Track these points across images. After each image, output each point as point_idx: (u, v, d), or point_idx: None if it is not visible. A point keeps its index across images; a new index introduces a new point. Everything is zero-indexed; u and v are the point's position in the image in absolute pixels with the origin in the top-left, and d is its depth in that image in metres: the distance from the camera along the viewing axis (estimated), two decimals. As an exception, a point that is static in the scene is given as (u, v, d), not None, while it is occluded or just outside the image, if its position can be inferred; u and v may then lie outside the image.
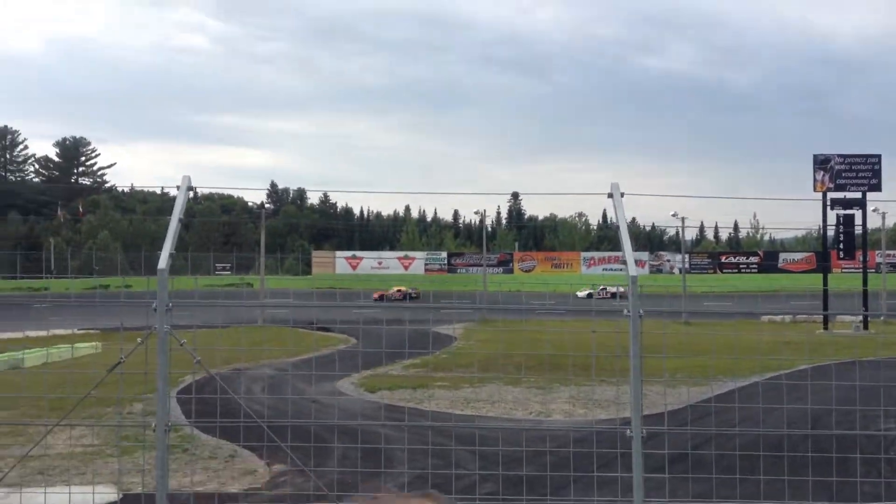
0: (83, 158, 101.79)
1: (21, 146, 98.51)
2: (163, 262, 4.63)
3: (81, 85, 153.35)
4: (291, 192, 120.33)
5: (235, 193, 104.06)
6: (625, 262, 5.00)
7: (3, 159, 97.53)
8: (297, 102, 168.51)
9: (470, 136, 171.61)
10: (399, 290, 57.81)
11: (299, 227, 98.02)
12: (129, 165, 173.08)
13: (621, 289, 58.01)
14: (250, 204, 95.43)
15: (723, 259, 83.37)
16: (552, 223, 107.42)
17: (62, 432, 13.83)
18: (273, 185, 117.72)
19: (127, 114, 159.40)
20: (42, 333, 31.70)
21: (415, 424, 12.92)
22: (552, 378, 17.82)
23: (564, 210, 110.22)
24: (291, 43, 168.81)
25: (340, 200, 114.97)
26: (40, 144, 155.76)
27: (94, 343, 29.07)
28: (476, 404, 16.24)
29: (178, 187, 5.15)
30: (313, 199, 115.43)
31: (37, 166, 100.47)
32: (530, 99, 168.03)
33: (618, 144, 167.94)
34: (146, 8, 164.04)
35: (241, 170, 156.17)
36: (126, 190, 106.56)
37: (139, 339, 4.99)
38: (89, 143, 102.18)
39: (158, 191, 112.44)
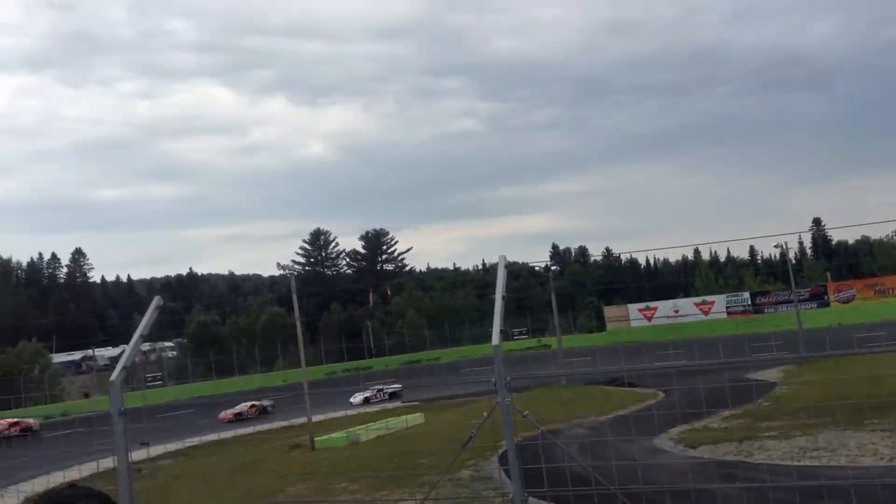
0: (384, 247, 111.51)
1: (333, 244, 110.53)
2: (495, 338, 4.85)
3: (375, 182, 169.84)
4: (573, 251, 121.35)
5: (520, 259, 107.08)
6: None
7: (320, 257, 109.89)
8: (572, 162, 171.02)
9: (757, 167, 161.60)
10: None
11: (587, 285, 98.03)
12: (423, 247, 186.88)
13: (396, 386, 46.96)
14: (536, 268, 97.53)
15: None
16: (866, 245, 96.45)
17: (408, 498, 14.93)
18: (554, 246, 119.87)
19: (416, 201, 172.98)
20: (373, 409, 34.83)
21: (778, 485, 11.79)
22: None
23: (877, 230, 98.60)
24: (559, 107, 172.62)
25: (624, 253, 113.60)
26: (348, 240, 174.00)
27: (417, 414, 31.26)
28: (814, 453, 14.77)
29: (493, 265, 5.38)
30: (596, 255, 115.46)
31: (347, 260, 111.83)
32: (819, 118, 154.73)
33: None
34: (421, 102, 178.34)
35: (524, 236, 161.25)
36: (424, 270, 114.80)
37: (485, 414, 5.25)
38: (388, 233, 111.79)
39: (451, 266, 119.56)
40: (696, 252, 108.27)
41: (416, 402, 37.84)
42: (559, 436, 17.63)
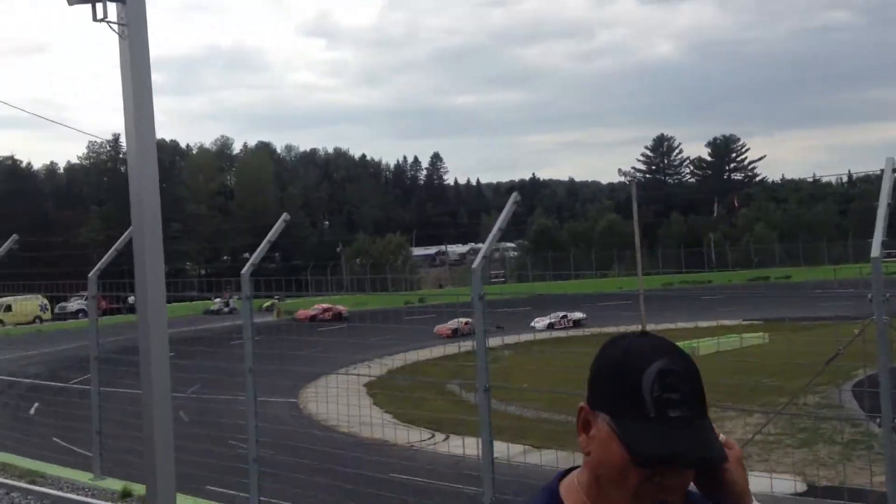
0: (733, 155, 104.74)
1: (676, 151, 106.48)
2: (875, 249, 4.27)
3: (725, 83, 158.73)
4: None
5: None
6: None
7: (661, 165, 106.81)
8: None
9: None
10: None
11: None
12: (777, 155, 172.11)
13: (580, 314, 38.77)
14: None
15: None
16: None
17: (739, 418, 14.33)
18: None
19: (771, 105, 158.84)
20: (711, 324, 33.69)
21: None
22: None
23: None
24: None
25: None
26: (693, 147, 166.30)
27: (760, 333, 29.55)
28: None
29: (881, 171, 4.69)
30: None
31: (691, 168, 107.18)
32: None
33: None
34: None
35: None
36: (778, 180, 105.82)
37: (856, 331, 4.69)
38: (738, 139, 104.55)
39: (810, 178, 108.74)
40: None
41: (759, 321, 35.69)
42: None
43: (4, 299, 33.90)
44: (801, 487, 10.26)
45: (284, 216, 7.02)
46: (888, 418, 4.22)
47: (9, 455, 9.18)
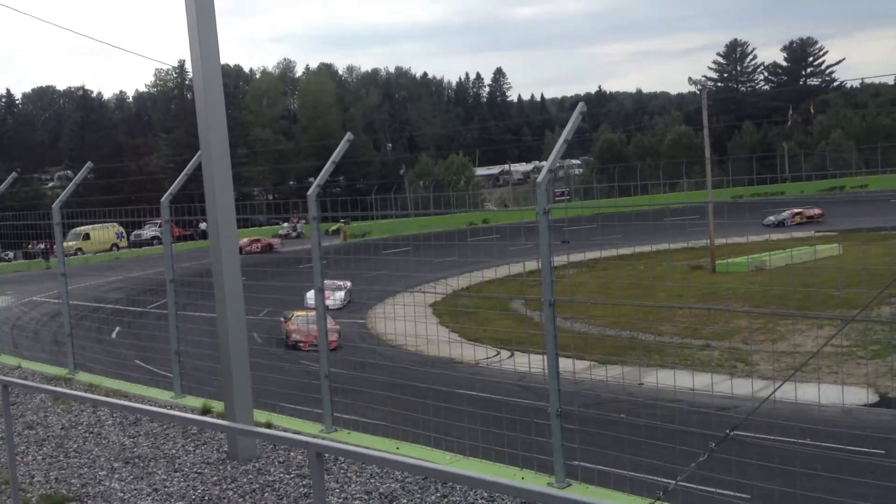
0: (810, 59, 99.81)
1: (750, 56, 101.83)
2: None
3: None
4: None
5: None
6: None
7: (734, 72, 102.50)
8: None
9: None
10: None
11: None
12: (858, 59, 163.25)
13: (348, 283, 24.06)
14: None
15: None
16: None
17: (810, 331, 14.08)
18: None
19: (854, 3, 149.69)
20: (783, 236, 32.83)
21: None
22: None
23: None
24: None
25: None
26: (768, 52, 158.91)
27: (833, 245, 28.77)
28: None
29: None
30: None
31: (766, 74, 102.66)
32: None
33: None
34: None
35: None
36: (856, 85, 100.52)
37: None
38: (816, 43, 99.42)
39: (892, 81, 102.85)
40: None
41: (833, 232, 34.66)
42: None
43: (83, 228, 35.16)
44: (873, 398, 10.14)
45: (348, 136, 7.04)
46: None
47: (94, 375, 9.73)
